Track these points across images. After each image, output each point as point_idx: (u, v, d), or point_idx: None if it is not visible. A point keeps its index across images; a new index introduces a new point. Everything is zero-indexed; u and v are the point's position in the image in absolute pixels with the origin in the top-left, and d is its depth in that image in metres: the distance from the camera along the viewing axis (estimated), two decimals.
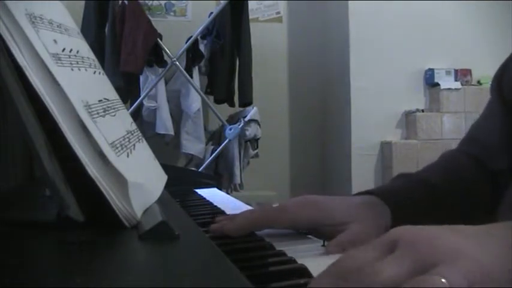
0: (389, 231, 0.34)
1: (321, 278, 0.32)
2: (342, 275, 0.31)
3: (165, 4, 3.66)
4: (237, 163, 3.13)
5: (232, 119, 3.26)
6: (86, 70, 0.52)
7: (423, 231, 0.33)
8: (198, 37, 3.11)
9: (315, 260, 0.44)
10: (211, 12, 3.12)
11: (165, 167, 0.66)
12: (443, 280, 0.28)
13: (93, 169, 0.43)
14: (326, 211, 0.56)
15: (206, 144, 3.25)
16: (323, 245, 0.52)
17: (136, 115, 2.99)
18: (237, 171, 3.12)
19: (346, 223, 0.55)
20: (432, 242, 0.32)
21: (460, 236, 0.33)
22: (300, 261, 0.42)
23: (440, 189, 0.66)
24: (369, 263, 0.31)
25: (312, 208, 0.57)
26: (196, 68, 3.21)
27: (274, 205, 0.57)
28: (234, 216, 0.57)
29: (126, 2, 2.87)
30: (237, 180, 3.13)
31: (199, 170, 2.92)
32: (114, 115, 0.52)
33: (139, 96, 3.01)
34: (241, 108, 3.25)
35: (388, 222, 0.59)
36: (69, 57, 0.48)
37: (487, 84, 0.76)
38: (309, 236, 0.57)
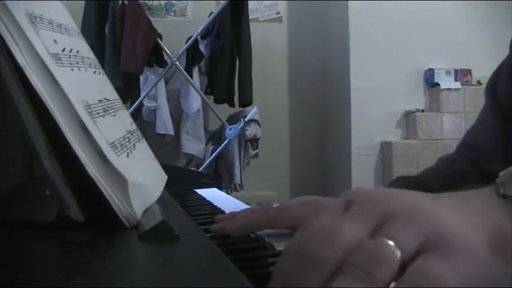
0: (346, 194, 0.32)
1: (285, 256, 0.30)
2: (303, 246, 0.29)
3: (165, 4, 3.66)
4: (237, 163, 3.13)
5: (232, 119, 3.26)
6: (86, 70, 0.52)
7: (379, 189, 0.32)
8: (198, 37, 3.11)
9: None
10: (211, 12, 3.12)
11: (165, 167, 0.66)
12: (390, 242, 0.27)
13: (93, 169, 0.43)
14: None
15: (206, 144, 3.25)
16: None
17: (136, 115, 2.99)
18: (237, 171, 3.12)
19: None
20: (387, 198, 0.30)
21: (427, 197, 0.31)
22: None
23: (438, 192, 0.66)
24: (328, 225, 0.29)
25: (314, 207, 0.57)
26: (196, 68, 3.21)
27: (275, 205, 0.57)
28: (234, 215, 0.57)
29: (126, 2, 2.87)
30: (237, 180, 3.13)
31: (199, 170, 2.92)
32: (114, 115, 0.52)
33: (139, 96, 3.01)
34: (241, 108, 3.25)
35: None
36: (69, 57, 0.48)
37: None
38: None
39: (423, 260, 0.27)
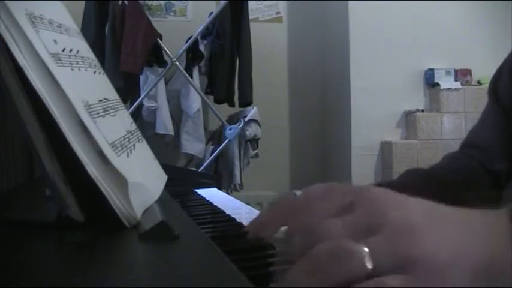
0: (357, 190, 0.34)
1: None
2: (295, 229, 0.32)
3: (165, 4, 3.66)
4: (237, 163, 3.12)
5: (232, 119, 3.26)
6: (86, 70, 0.52)
7: (386, 198, 0.32)
8: (198, 37, 3.11)
9: None
10: (211, 12, 3.12)
11: (165, 167, 0.66)
12: (365, 249, 0.28)
13: (93, 169, 0.43)
14: None
15: (206, 144, 3.25)
16: None
17: (136, 115, 2.99)
18: (237, 171, 3.12)
19: None
20: (388, 211, 0.31)
21: (426, 216, 0.31)
22: None
23: (447, 185, 0.67)
24: (319, 222, 0.32)
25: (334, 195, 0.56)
26: (196, 68, 3.21)
27: (298, 192, 0.56)
28: (262, 220, 0.55)
29: (126, 2, 2.87)
30: (237, 180, 3.13)
31: (199, 170, 2.92)
32: (114, 115, 0.52)
33: (139, 96, 3.01)
34: (241, 108, 3.25)
35: None
36: (69, 57, 0.48)
37: (487, 84, 0.77)
38: None
39: (388, 275, 0.28)
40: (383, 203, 0.32)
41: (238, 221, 0.61)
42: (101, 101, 0.50)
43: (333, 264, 0.27)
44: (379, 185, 0.62)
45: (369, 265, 0.28)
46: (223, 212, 0.69)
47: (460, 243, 0.30)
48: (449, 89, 3.42)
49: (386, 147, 3.39)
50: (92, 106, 0.47)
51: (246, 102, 3.16)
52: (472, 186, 0.69)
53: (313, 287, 0.27)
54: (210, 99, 3.20)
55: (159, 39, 2.98)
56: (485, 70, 3.32)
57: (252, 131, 3.13)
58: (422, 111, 3.43)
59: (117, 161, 0.45)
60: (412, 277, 0.28)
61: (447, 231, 0.31)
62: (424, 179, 0.66)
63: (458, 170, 0.71)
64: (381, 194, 0.33)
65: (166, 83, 3.16)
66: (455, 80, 3.46)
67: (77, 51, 0.51)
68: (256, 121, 3.16)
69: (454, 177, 0.68)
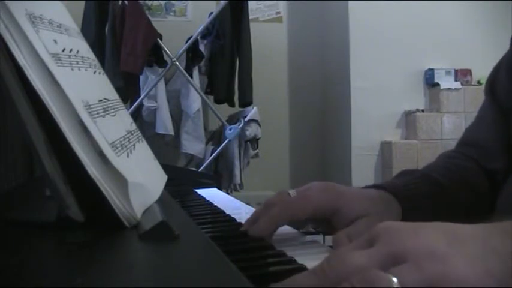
0: (376, 226, 0.34)
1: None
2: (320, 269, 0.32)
3: (165, 4, 3.66)
4: (237, 163, 3.12)
5: (232, 119, 3.26)
6: (86, 70, 0.52)
7: (405, 228, 0.32)
8: (198, 37, 3.11)
9: (315, 260, 0.44)
10: (211, 12, 3.12)
11: (165, 167, 0.66)
12: (394, 279, 0.28)
13: (93, 169, 0.43)
14: (346, 200, 0.56)
15: (206, 144, 3.25)
16: (319, 233, 0.52)
17: (136, 115, 2.99)
18: (237, 171, 3.12)
19: (361, 216, 0.54)
20: (409, 239, 0.31)
21: (448, 239, 0.31)
22: (300, 261, 0.42)
23: (443, 186, 0.66)
24: (344, 253, 0.32)
25: (333, 193, 0.56)
26: (196, 68, 3.20)
27: (291, 192, 0.56)
28: (256, 217, 0.55)
29: (126, 2, 2.87)
30: (237, 180, 3.13)
31: (199, 170, 2.92)
32: (114, 115, 0.52)
33: (139, 96, 3.01)
34: (241, 108, 3.25)
35: (399, 219, 0.58)
36: (69, 57, 0.48)
37: None
38: (309, 236, 0.57)
39: None
40: (402, 232, 0.32)
41: (238, 221, 0.62)
42: (101, 101, 0.50)
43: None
44: (375, 186, 0.62)
45: None
46: (223, 212, 0.69)
47: (485, 262, 0.30)
48: (449, 89, 3.42)
49: (386, 147, 3.39)
50: (92, 106, 0.47)
51: (246, 102, 3.16)
52: (467, 187, 0.68)
53: None
54: (210, 99, 3.20)
55: (159, 39, 2.98)
56: (485, 70, 3.29)
57: (252, 131, 3.13)
58: (423, 111, 3.43)
59: (117, 161, 0.45)
60: None
61: (470, 251, 0.30)
62: (421, 182, 0.66)
63: (453, 170, 0.71)
64: (397, 224, 0.33)
65: (166, 83, 3.16)
66: (455, 80, 3.46)
67: (77, 51, 0.51)
68: (256, 121, 3.16)
69: (450, 177, 0.68)
